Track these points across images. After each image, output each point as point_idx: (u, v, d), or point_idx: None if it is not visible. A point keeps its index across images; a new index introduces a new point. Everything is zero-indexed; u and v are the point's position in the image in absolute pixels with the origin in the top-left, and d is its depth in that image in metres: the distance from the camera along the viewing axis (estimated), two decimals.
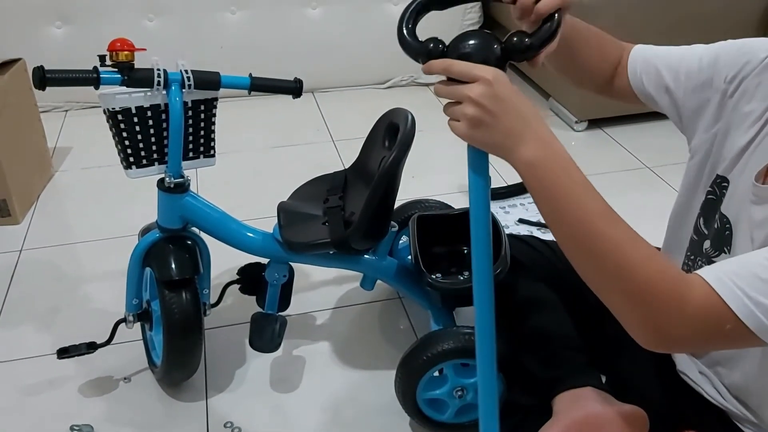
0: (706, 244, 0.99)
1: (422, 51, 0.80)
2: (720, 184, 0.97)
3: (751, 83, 0.93)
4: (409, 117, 1.22)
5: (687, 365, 1.05)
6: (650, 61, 1.02)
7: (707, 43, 0.99)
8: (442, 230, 1.38)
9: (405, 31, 0.81)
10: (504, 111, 0.76)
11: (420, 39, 0.81)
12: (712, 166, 0.99)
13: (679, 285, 0.73)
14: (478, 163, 0.82)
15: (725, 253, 0.94)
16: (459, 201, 1.97)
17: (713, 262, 0.97)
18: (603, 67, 1.05)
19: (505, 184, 2.06)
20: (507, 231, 1.72)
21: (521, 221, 1.94)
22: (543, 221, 1.92)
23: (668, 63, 1.01)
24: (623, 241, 0.76)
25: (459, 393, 1.20)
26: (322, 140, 2.41)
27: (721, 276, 0.72)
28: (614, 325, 1.23)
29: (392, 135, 1.24)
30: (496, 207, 2.01)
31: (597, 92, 1.09)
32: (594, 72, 1.05)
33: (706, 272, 0.73)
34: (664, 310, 0.73)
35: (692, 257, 1.03)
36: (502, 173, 2.08)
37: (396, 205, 1.29)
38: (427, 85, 2.80)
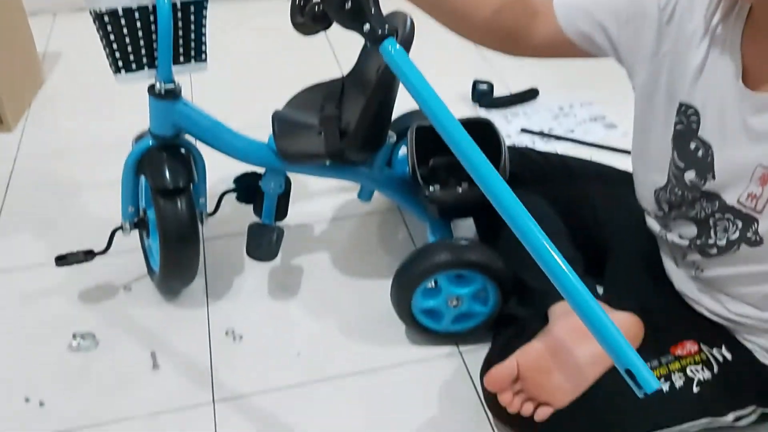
0: (689, 174, 0.96)
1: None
2: (686, 113, 0.94)
3: (684, 3, 0.92)
4: (409, 20, 1.17)
5: (686, 285, 1.05)
6: (577, 4, 1.01)
7: None
8: (441, 141, 1.35)
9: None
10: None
11: None
12: (669, 95, 0.96)
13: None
14: None
15: (711, 179, 0.93)
16: (459, 110, 1.93)
17: (705, 191, 0.95)
18: (506, 21, 1.04)
19: (508, 93, 2.01)
20: (509, 142, 1.70)
21: (524, 131, 1.91)
22: (545, 131, 1.89)
23: (596, 1, 1.00)
24: None
25: (454, 303, 1.21)
26: (319, 45, 2.33)
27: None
28: (611, 237, 1.24)
29: None
30: (498, 116, 1.97)
31: (501, 47, 1.08)
32: (495, 23, 1.04)
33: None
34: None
35: (677, 192, 1.00)
36: (504, 80, 2.03)
37: (394, 116, 1.25)
38: None
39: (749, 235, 0.90)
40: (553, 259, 0.78)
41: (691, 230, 0.99)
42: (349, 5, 0.90)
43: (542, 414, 0.94)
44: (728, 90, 0.89)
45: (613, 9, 0.98)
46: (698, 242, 0.98)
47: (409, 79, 0.88)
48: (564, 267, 0.78)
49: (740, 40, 0.88)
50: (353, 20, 0.91)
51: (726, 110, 0.89)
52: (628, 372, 0.75)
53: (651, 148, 1.02)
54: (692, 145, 0.95)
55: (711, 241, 0.95)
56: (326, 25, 0.98)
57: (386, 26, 0.90)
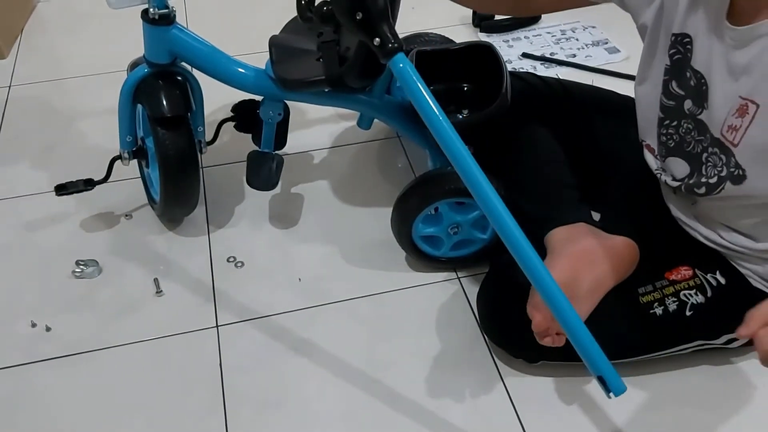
0: (687, 103, 0.96)
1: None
2: (682, 42, 0.93)
3: None
4: None
5: (683, 212, 1.06)
6: None
7: None
8: (442, 66, 1.33)
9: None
10: None
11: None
12: (666, 28, 0.95)
13: None
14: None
15: (705, 109, 0.92)
16: (461, 34, 1.89)
17: (699, 120, 0.94)
18: None
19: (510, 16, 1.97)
20: (510, 67, 1.67)
21: (525, 55, 1.87)
22: (547, 55, 1.86)
23: None
24: None
25: (454, 230, 1.22)
26: None
27: None
28: (610, 164, 1.24)
29: None
30: (499, 40, 1.93)
31: (512, 9, 1.04)
32: None
33: None
34: None
35: (674, 124, 0.99)
36: None
37: None
38: None
39: (732, 169, 0.90)
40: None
41: (684, 169, 0.99)
42: (360, 16, 0.87)
43: (560, 341, 0.94)
44: (715, 23, 0.88)
45: None
46: (690, 182, 0.97)
47: (416, 95, 0.86)
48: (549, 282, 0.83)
49: None
50: (363, 31, 0.88)
51: (713, 43, 0.89)
52: (600, 378, 0.83)
53: (654, 80, 1.01)
54: (687, 74, 0.94)
55: (703, 180, 0.95)
56: (335, 26, 0.94)
57: (397, 40, 0.87)
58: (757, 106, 0.84)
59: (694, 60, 0.92)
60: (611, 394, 0.83)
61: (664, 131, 1.01)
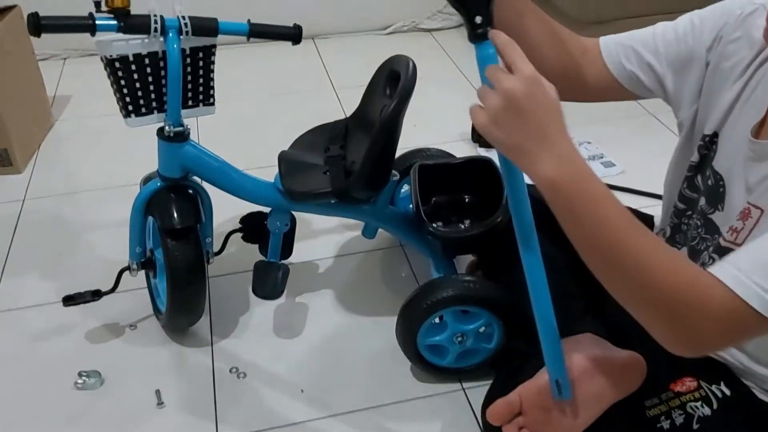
0: (701, 201, 0.99)
1: None
2: (711, 141, 0.97)
3: (729, 42, 0.93)
4: (411, 64, 1.21)
5: None
6: (624, 43, 1.01)
7: (702, 2, 0.99)
8: (444, 179, 1.38)
9: None
10: (524, 119, 0.73)
11: None
12: (699, 128, 0.99)
13: (700, 291, 0.74)
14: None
15: (719, 210, 0.95)
16: (461, 150, 1.96)
17: (708, 219, 0.97)
18: (559, 57, 1.00)
19: None
20: None
21: None
22: None
23: (643, 41, 1.00)
24: (646, 252, 0.76)
25: (459, 339, 1.22)
26: (323, 88, 2.38)
27: (738, 275, 0.73)
28: None
29: (393, 83, 1.23)
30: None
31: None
32: (549, 61, 0.97)
33: (723, 273, 0.74)
34: (689, 319, 0.74)
35: (688, 212, 1.02)
36: None
37: (397, 154, 1.28)
38: (428, 30, 2.75)
39: None
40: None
41: None
42: None
43: None
44: (743, 133, 0.91)
45: (662, 45, 0.98)
46: None
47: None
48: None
49: None
50: (469, 3, 0.78)
51: (737, 152, 0.92)
52: (557, 382, 0.94)
53: (679, 173, 1.04)
54: (707, 173, 0.97)
55: None
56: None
57: (492, 26, 0.79)
58: (762, 211, 0.86)
59: (716, 161, 0.95)
60: (563, 397, 0.94)
61: (677, 221, 1.04)
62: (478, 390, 1.26)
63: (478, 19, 0.78)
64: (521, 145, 0.75)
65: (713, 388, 1.00)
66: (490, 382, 1.21)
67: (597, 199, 0.77)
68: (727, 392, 1.00)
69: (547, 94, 0.75)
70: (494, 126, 0.75)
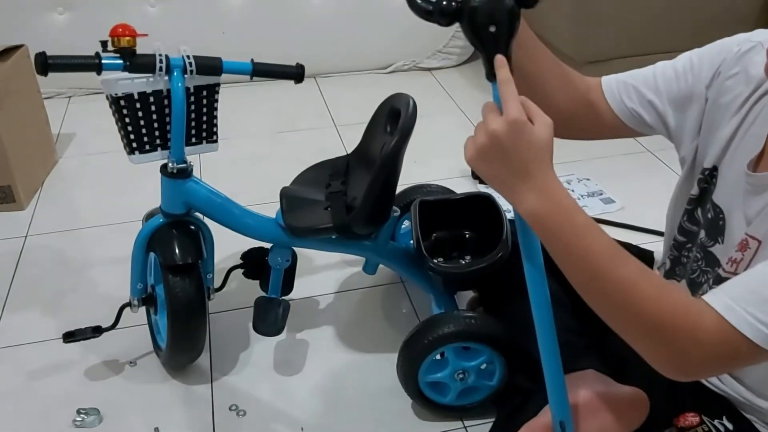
0: (701, 234, 1.00)
1: (435, 7, 0.80)
2: (710, 174, 0.99)
3: (727, 78, 0.95)
4: (411, 102, 1.23)
5: None
6: (626, 82, 1.03)
7: (700, 42, 1.01)
8: (444, 215, 1.39)
9: None
10: (507, 156, 0.77)
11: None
12: (700, 160, 1.01)
13: (691, 318, 0.75)
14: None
15: (719, 243, 0.95)
16: (461, 186, 1.98)
17: (708, 252, 0.97)
18: (569, 100, 1.03)
19: None
20: (509, 215, 1.73)
21: None
22: None
23: (644, 79, 1.02)
24: (632, 280, 0.78)
25: (460, 376, 1.22)
26: (325, 125, 2.41)
27: (730, 303, 0.74)
28: None
29: (394, 120, 1.25)
30: None
31: (562, 134, 1.03)
32: (560, 104, 1.00)
33: (714, 300, 0.75)
34: (680, 345, 0.75)
35: (688, 245, 1.03)
36: None
37: (398, 190, 1.29)
38: (429, 69, 2.80)
39: None
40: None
41: None
42: (493, 29, 0.80)
43: None
44: (740, 166, 0.92)
45: (663, 84, 1.01)
46: None
47: None
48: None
49: None
50: (488, 45, 0.81)
51: (736, 186, 0.93)
52: (561, 423, 0.94)
53: (680, 206, 1.06)
54: (707, 206, 0.98)
55: None
56: (448, 22, 0.84)
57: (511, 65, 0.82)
58: (759, 242, 0.87)
59: (716, 194, 0.97)
60: None
61: (677, 253, 1.04)
62: (480, 428, 1.25)
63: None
64: (504, 180, 0.80)
65: (716, 422, 0.99)
66: (492, 420, 1.21)
67: (579, 230, 0.79)
68: (730, 426, 0.99)
69: (532, 135, 0.78)
70: (479, 160, 0.80)
